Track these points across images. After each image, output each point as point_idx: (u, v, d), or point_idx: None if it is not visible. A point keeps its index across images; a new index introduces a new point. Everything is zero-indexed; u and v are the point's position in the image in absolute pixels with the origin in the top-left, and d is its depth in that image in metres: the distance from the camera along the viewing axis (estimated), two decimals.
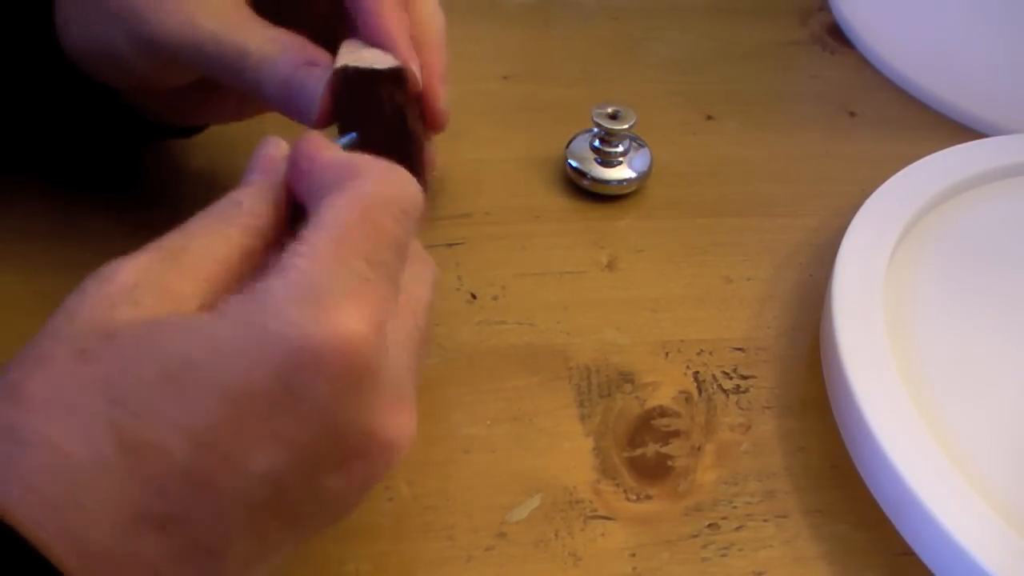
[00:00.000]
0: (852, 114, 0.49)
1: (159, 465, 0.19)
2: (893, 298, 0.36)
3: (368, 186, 0.22)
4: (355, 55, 0.29)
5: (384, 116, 0.29)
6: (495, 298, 0.37)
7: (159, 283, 0.21)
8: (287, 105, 0.29)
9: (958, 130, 0.48)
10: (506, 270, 0.38)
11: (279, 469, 0.20)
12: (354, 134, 0.28)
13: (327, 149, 0.24)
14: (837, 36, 0.54)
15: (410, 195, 0.23)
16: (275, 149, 0.26)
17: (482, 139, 0.45)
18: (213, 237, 0.22)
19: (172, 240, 0.22)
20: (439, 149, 0.44)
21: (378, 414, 0.21)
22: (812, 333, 0.37)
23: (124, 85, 0.32)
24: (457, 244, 0.39)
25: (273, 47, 0.28)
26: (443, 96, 0.31)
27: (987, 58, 0.48)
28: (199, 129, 0.38)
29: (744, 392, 0.35)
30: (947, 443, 0.31)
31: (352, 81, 0.28)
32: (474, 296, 0.37)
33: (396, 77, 0.29)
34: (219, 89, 0.34)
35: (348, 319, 0.20)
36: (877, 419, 0.31)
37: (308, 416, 0.20)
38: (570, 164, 0.42)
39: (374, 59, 0.29)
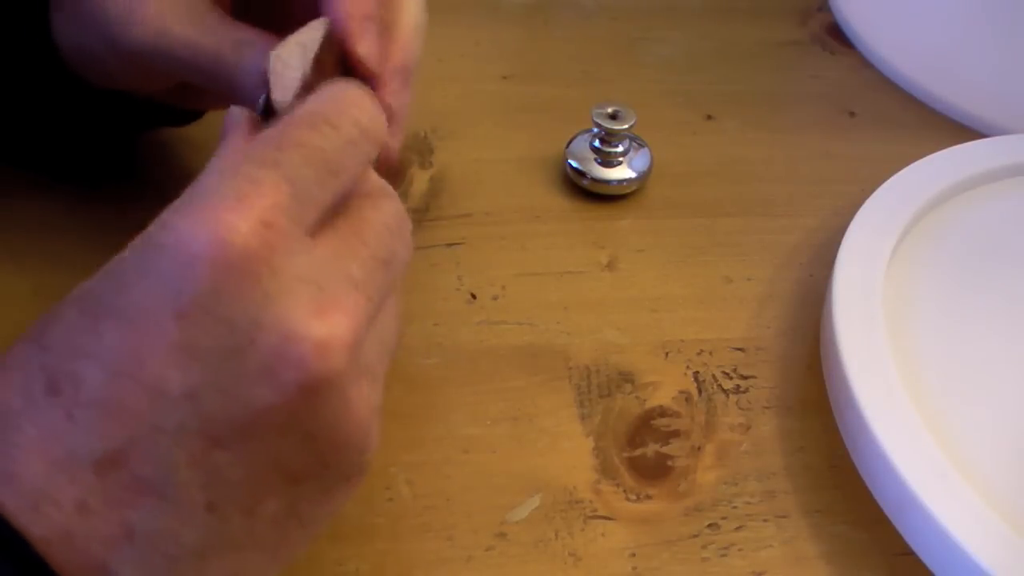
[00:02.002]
0: (852, 114, 0.49)
1: (77, 397, 0.19)
2: (893, 298, 0.36)
3: (305, 105, 0.22)
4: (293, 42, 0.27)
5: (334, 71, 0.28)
6: (495, 298, 0.37)
7: None
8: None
9: (958, 130, 0.48)
10: (506, 270, 0.38)
11: (194, 384, 0.19)
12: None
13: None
14: (837, 36, 0.54)
15: (348, 112, 0.22)
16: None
17: (482, 139, 0.45)
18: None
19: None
20: (439, 149, 0.44)
21: (288, 311, 0.20)
22: (812, 333, 0.37)
23: (114, 87, 0.32)
24: (457, 244, 0.39)
25: (248, 51, 0.28)
26: (398, 92, 0.29)
27: (987, 58, 0.48)
28: (198, 115, 0.37)
29: (744, 392, 0.35)
30: (947, 443, 0.31)
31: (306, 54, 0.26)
32: (474, 296, 0.37)
33: (329, 38, 0.27)
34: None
35: (224, 217, 0.19)
36: (877, 419, 0.31)
37: (204, 322, 0.19)
38: (570, 164, 0.42)
39: (292, 40, 0.27)
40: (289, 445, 0.21)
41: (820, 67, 0.52)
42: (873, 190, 0.39)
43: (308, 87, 0.26)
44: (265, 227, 0.20)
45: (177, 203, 0.20)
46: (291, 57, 0.26)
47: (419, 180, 0.42)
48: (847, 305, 0.34)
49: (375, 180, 0.25)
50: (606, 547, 0.30)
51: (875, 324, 0.34)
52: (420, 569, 0.29)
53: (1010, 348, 0.35)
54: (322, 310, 0.20)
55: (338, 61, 0.28)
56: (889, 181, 0.40)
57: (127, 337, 0.19)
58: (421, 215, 0.41)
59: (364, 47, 0.27)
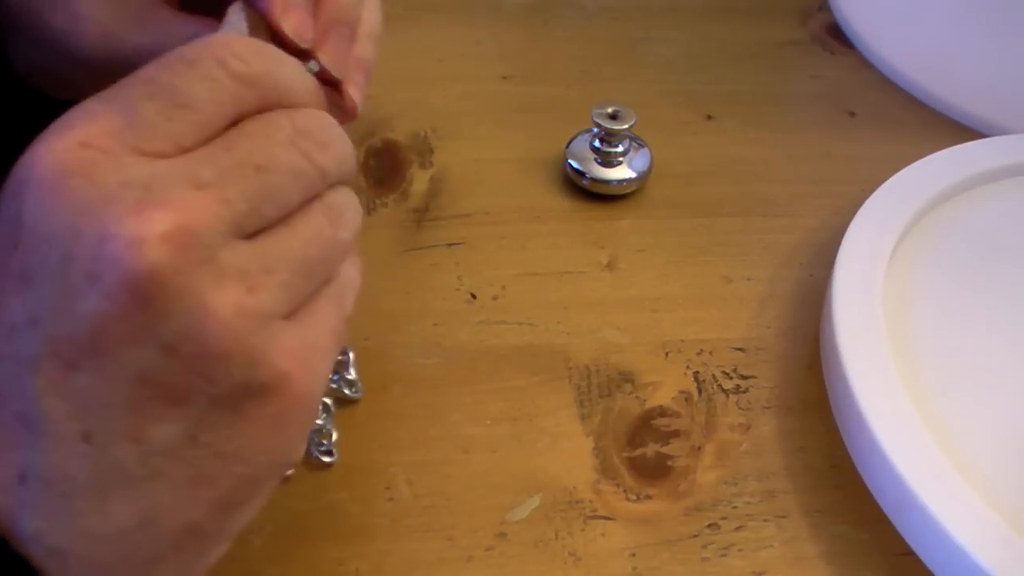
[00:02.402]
0: (852, 114, 0.49)
1: None
2: (893, 298, 0.36)
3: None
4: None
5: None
6: (495, 298, 0.37)
7: None
8: None
9: (958, 130, 0.48)
10: (506, 270, 0.38)
11: (33, 308, 0.19)
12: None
13: None
14: (837, 36, 0.54)
15: (213, 52, 0.22)
16: None
17: (482, 139, 0.45)
18: None
19: None
20: (439, 149, 0.44)
21: (104, 215, 0.19)
22: (812, 333, 0.37)
23: (78, 96, 0.32)
24: (457, 244, 0.39)
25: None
26: (337, 50, 0.28)
27: (987, 58, 0.48)
28: None
29: (744, 392, 0.35)
30: (947, 443, 0.31)
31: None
32: (474, 296, 0.37)
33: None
34: None
35: (43, 142, 0.19)
36: (877, 419, 0.31)
37: (31, 244, 0.19)
38: (570, 164, 0.42)
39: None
40: (148, 357, 0.19)
41: (820, 67, 0.52)
42: (873, 190, 0.39)
43: None
44: (81, 146, 0.19)
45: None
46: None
47: (419, 180, 0.42)
48: (847, 305, 0.34)
49: (290, 99, 0.23)
50: (606, 547, 0.30)
51: (875, 324, 0.34)
52: (420, 569, 0.29)
53: (1010, 348, 0.35)
54: (141, 208, 0.19)
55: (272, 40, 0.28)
56: (889, 181, 0.40)
57: None
58: (421, 215, 0.41)
59: (289, 23, 0.26)
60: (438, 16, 0.53)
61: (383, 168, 0.43)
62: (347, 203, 0.24)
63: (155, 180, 0.19)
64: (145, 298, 0.19)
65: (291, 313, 0.22)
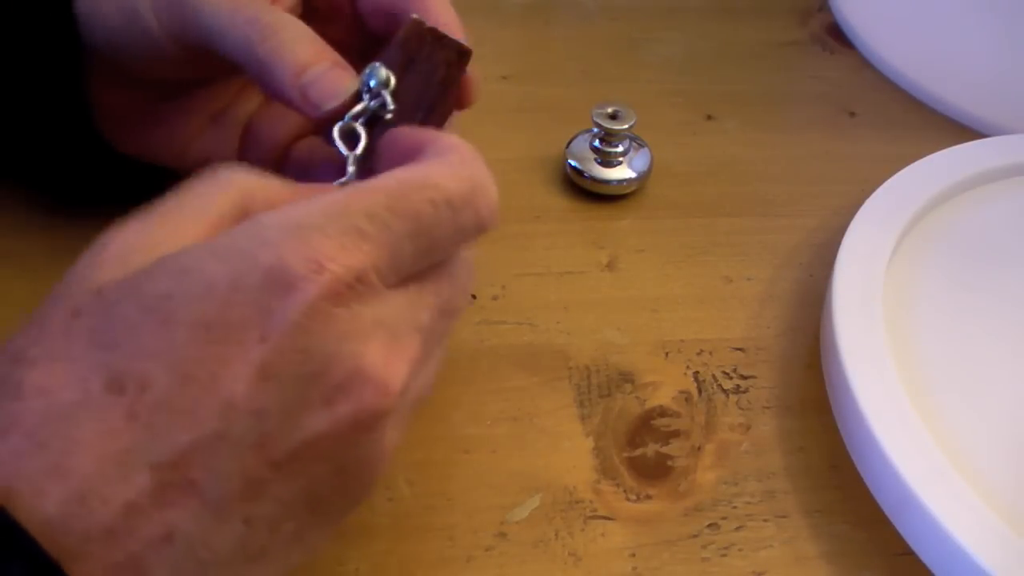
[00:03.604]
0: (852, 114, 0.49)
1: (142, 398, 0.19)
2: (893, 298, 0.36)
3: (410, 169, 0.23)
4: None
5: (431, 80, 0.29)
6: (495, 298, 0.37)
7: (148, 242, 0.21)
8: (294, 90, 0.28)
9: (958, 130, 0.48)
10: (506, 270, 0.38)
11: (259, 399, 0.20)
12: (383, 72, 0.28)
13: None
14: (837, 36, 0.54)
15: (475, 202, 0.23)
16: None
17: (482, 139, 0.44)
18: (207, 196, 0.22)
19: (166, 202, 0.22)
20: None
21: (361, 351, 0.21)
22: (812, 333, 0.37)
23: (120, 52, 0.31)
24: None
25: (290, 27, 0.28)
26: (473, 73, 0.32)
27: (987, 58, 0.48)
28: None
29: (744, 392, 0.35)
30: (947, 443, 0.31)
31: (422, 35, 0.29)
32: (474, 296, 0.37)
33: (462, 54, 0.30)
34: (187, 108, 0.34)
35: (327, 253, 0.20)
36: (877, 419, 0.31)
37: (284, 348, 0.20)
38: (570, 164, 0.42)
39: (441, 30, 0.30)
40: (323, 472, 0.21)
41: (820, 67, 0.52)
42: (873, 190, 0.39)
43: (414, 71, 0.28)
44: (358, 281, 0.21)
45: (273, 220, 0.21)
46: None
47: None
48: (847, 305, 0.34)
49: (455, 257, 0.26)
50: (606, 547, 0.30)
51: (875, 324, 0.34)
52: (420, 569, 0.29)
53: (1010, 348, 0.35)
54: (390, 354, 0.22)
55: (445, 79, 0.30)
56: (889, 181, 0.40)
57: (206, 347, 0.20)
58: None
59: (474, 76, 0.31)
60: None
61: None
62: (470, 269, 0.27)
63: (396, 323, 0.22)
64: (359, 431, 0.21)
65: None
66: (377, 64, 0.28)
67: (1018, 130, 0.46)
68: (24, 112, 0.33)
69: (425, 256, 0.23)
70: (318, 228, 0.21)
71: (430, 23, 0.29)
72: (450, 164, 0.23)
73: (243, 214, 0.23)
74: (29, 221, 0.37)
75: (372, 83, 0.27)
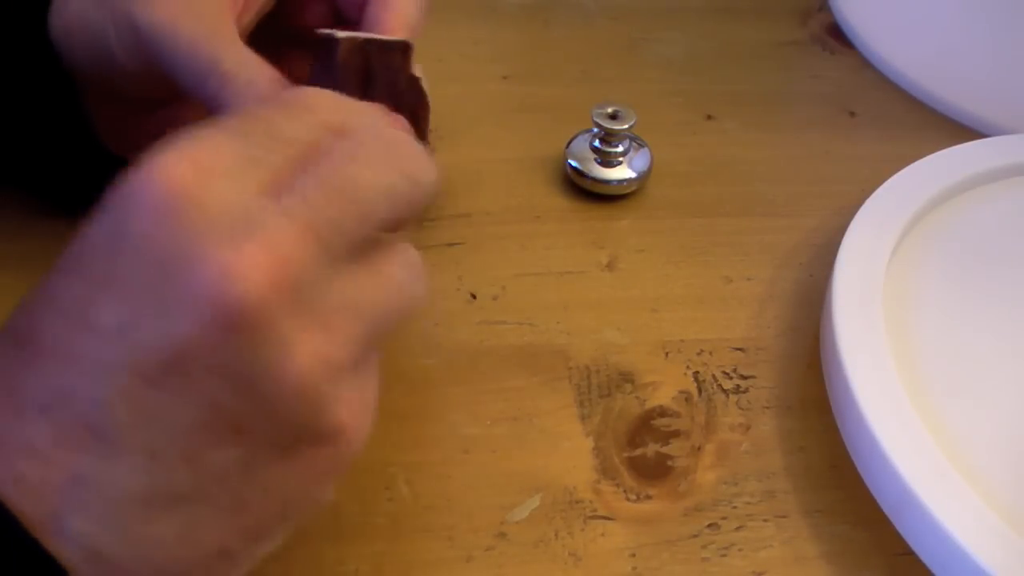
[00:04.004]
0: (852, 114, 0.49)
1: (35, 347, 0.20)
2: (893, 298, 0.36)
3: (292, 90, 0.24)
4: (340, 29, 0.29)
5: (400, 88, 0.29)
6: (495, 298, 0.37)
7: None
8: None
9: (958, 130, 0.48)
10: (506, 270, 0.38)
11: (124, 318, 0.19)
12: None
13: None
14: (837, 36, 0.54)
15: (328, 106, 0.23)
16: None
17: (482, 139, 0.45)
18: None
19: None
20: (439, 149, 0.44)
21: (208, 244, 0.19)
22: (812, 333, 0.37)
23: (96, 74, 0.32)
24: (457, 244, 0.39)
25: (249, 68, 0.29)
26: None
27: (987, 58, 0.48)
28: None
29: (744, 392, 0.35)
30: (947, 443, 0.31)
31: (364, 49, 0.28)
32: (474, 296, 0.37)
33: (405, 49, 0.30)
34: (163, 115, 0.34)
35: (161, 161, 0.20)
36: (877, 419, 0.31)
37: (133, 257, 0.20)
38: (570, 164, 0.42)
39: (364, 33, 0.29)
40: (223, 388, 0.20)
41: (820, 67, 0.52)
42: (873, 190, 0.39)
43: (368, 83, 0.28)
44: (198, 170, 0.20)
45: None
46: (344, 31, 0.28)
47: None
48: (847, 305, 0.34)
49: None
50: (606, 547, 0.30)
51: (875, 324, 0.34)
52: (420, 569, 0.29)
53: (1010, 348, 0.35)
54: (240, 241, 0.20)
55: (401, 82, 0.30)
56: (889, 181, 0.40)
57: (76, 281, 0.20)
58: (421, 215, 0.41)
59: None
60: (437, 16, 0.52)
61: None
62: (419, 262, 0.25)
63: (255, 213, 0.20)
64: (232, 331, 0.19)
65: (356, 365, 0.22)
66: None
67: (1018, 130, 0.46)
68: (23, 125, 0.34)
69: (272, 142, 0.22)
70: (165, 146, 0.21)
71: (381, 22, 0.30)
72: (300, 89, 0.24)
73: None
74: (29, 224, 0.37)
75: None
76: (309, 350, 0.20)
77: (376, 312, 0.23)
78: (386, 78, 0.29)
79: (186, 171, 0.20)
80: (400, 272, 0.23)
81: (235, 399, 0.20)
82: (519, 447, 0.32)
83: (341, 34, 0.28)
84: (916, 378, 0.33)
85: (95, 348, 0.20)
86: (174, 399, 0.20)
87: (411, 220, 0.24)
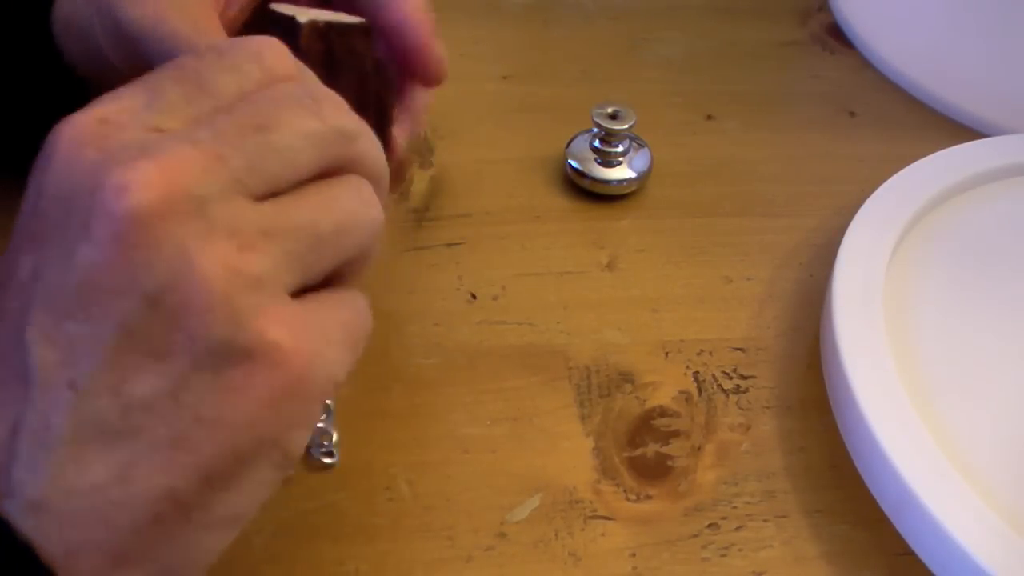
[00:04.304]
0: (852, 114, 0.49)
1: None
2: (893, 298, 0.36)
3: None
4: (298, 10, 0.28)
5: (366, 71, 0.29)
6: (495, 298, 0.37)
7: None
8: None
9: (958, 130, 0.48)
10: (506, 270, 0.38)
11: (37, 262, 0.20)
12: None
13: None
14: (837, 36, 0.54)
15: (252, 51, 0.23)
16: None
17: (482, 139, 0.45)
18: None
19: None
20: (439, 149, 0.44)
21: (101, 170, 0.20)
22: (812, 333, 0.37)
23: (91, 71, 0.33)
24: (457, 244, 0.39)
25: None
26: (437, 46, 0.31)
27: (987, 58, 0.48)
28: None
29: (744, 392, 0.35)
30: (947, 443, 0.31)
31: (324, 33, 0.27)
32: (474, 296, 0.37)
33: (366, 31, 0.29)
34: None
35: (69, 117, 0.21)
36: (877, 419, 0.31)
37: (41, 203, 0.20)
38: (570, 164, 0.42)
39: (324, 15, 0.28)
40: (132, 308, 0.19)
41: (820, 67, 0.52)
42: (873, 190, 0.39)
43: (334, 70, 0.27)
44: (100, 121, 0.21)
45: None
46: (297, 9, 0.27)
47: (419, 180, 0.42)
48: (847, 305, 0.34)
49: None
50: (606, 547, 0.30)
51: (875, 324, 0.34)
52: (420, 569, 0.29)
53: (1010, 348, 0.35)
54: (133, 161, 0.20)
55: (366, 64, 0.29)
56: (889, 181, 0.40)
57: (8, 249, 0.21)
58: (421, 215, 0.41)
59: (438, 47, 0.30)
60: (438, 16, 0.53)
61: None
62: (368, 189, 0.24)
63: (155, 142, 0.20)
64: (129, 245, 0.19)
65: (298, 288, 0.22)
66: None
67: (1018, 130, 0.46)
68: (26, 117, 0.34)
69: (198, 95, 0.22)
70: (87, 105, 0.21)
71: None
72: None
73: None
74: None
75: None
76: (214, 259, 0.20)
77: (314, 233, 0.22)
78: (350, 63, 0.28)
79: (89, 123, 0.20)
80: (344, 195, 0.23)
81: (145, 318, 0.19)
82: (519, 447, 0.32)
83: (302, 17, 0.27)
84: (916, 378, 0.33)
85: (15, 299, 0.20)
86: (88, 327, 0.19)
87: (361, 177, 0.23)
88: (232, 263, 0.20)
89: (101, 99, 0.21)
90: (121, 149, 0.20)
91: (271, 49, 0.23)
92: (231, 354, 0.20)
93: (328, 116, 0.22)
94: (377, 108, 0.30)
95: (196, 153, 0.20)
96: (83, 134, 0.20)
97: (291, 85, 0.23)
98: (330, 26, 0.27)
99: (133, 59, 0.30)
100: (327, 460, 0.31)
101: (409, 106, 0.34)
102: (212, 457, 0.20)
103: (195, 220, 0.20)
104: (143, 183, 0.19)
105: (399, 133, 0.32)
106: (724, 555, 0.30)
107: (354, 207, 0.23)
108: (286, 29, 0.27)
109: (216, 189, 0.20)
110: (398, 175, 0.43)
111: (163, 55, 0.28)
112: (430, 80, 0.34)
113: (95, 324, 0.19)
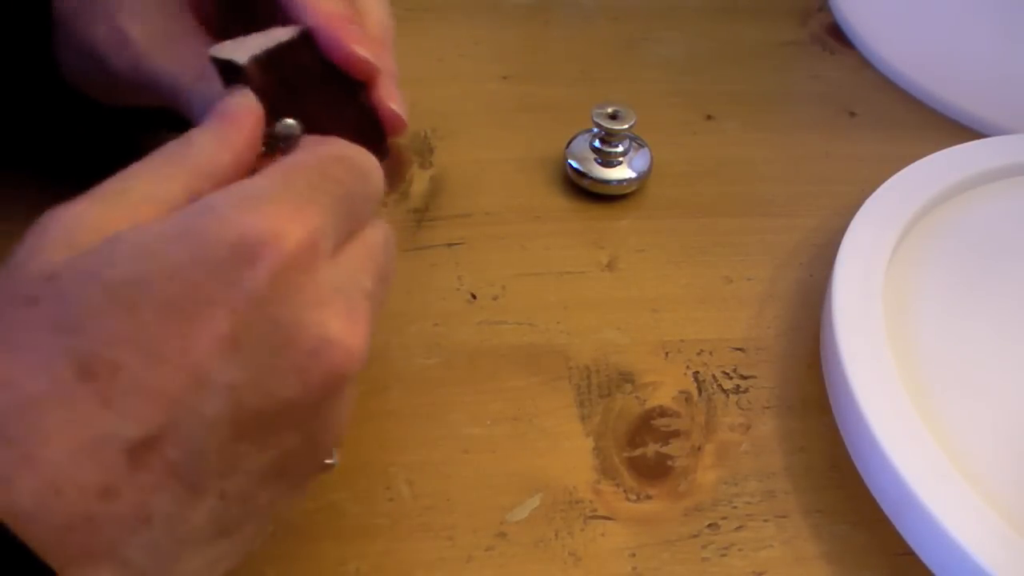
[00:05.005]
0: (852, 114, 0.49)
1: (114, 383, 0.19)
2: (893, 298, 0.36)
3: (325, 144, 0.25)
4: (235, 45, 0.27)
5: (324, 79, 0.28)
6: (495, 298, 0.37)
7: (96, 224, 0.21)
8: None
9: (958, 130, 0.48)
10: (506, 270, 0.38)
11: (230, 372, 0.20)
12: (290, 125, 0.26)
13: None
14: (837, 36, 0.54)
15: (363, 159, 0.25)
16: (244, 99, 0.25)
17: (482, 139, 0.45)
18: (156, 177, 0.22)
19: (113, 183, 0.22)
20: (439, 149, 0.44)
21: (324, 315, 0.21)
22: (812, 333, 0.37)
23: (111, 102, 0.34)
24: (457, 244, 0.39)
25: (200, 83, 0.29)
26: (397, 96, 0.31)
27: (987, 58, 0.48)
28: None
29: (744, 392, 0.35)
30: (947, 443, 0.31)
31: (270, 65, 0.26)
32: (474, 296, 0.37)
33: (305, 38, 0.28)
34: None
35: (285, 219, 0.21)
36: (877, 419, 0.31)
37: (253, 318, 0.20)
38: (570, 164, 0.42)
39: (271, 38, 0.27)
40: (295, 441, 0.22)
41: (820, 67, 0.52)
42: (873, 190, 0.39)
43: (293, 91, 0.27)
44: (312, 243, 0.21)
45: (224, 198, 0.21)
46: (236, 45, 0.26)
47: (419, 180, 0.42)
48: (847, 305, 0.34)
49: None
50: (606, 547, 0.30)
51: (875, 324, 0.34)
52: (420, 569, 0.29)
53: (1010, 348, 0.35)
54: (352, 320, 0.22)
55: (321, 71, 0.28)
56: (889, 181, 0.40)
57: (174, 326, 0.20)
58: (421, 215, 0.41)
59: (361, 49, 0.29)
60: (438, 16, 0.53)
61: (383, 168, 0.43)
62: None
63: (349, 289, 0.22)
64: (329, 396, 0.22)
65: None
66: (285, 123, 0.26)
67: (1018, 130, 0.46)
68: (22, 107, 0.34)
69: (348, 220, 0.23)
70: (269, 199, 0.21)
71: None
72: (332, 140, 0.25)
73: (193, 196, 0.23)
74: (31, 223, 0.37)
75: (283, 135, 0.26)
76: (352, 404, 0.24)
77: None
78: (305, 80, 0.28)
79: (304, 245, 0.21)
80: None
81: (300, 450, 0.22)
82: (519, 447, 0.32)
83: (241, 57, 0.26)
84: (916, 378, 0.33)
85: (199, 399, 0.20)
86: (259, 450, 0.21)
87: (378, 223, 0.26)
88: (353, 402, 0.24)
89: (299, 201, 0.22)
90: (333, 292, 0.22)
91: (382, 178, 0.26)
92: (315, 472, 0.25)
93: (395, 261, 0.26)
94: (354, 105, 0.29)
95: (371, 314, 0.23)
96: (299, 256, 0.21)
97: (389, 231, 0.26)
98: (270, 53, 0.26)
99: (137, 95, 0.32)
100: (327, 460, 0.31)
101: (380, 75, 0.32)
102: (286, 511, 0.24)
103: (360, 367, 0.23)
104: (360, 353, 0.22)
105: (386, 97, 0.31)
106: (724, 555, 0.30)
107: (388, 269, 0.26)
108: (231, 72, 0.26)
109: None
110: (398, 175, 0.43)
111: (151, 89, 0.30)
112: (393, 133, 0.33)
113: (266, 450, 0.21)
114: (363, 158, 0.25)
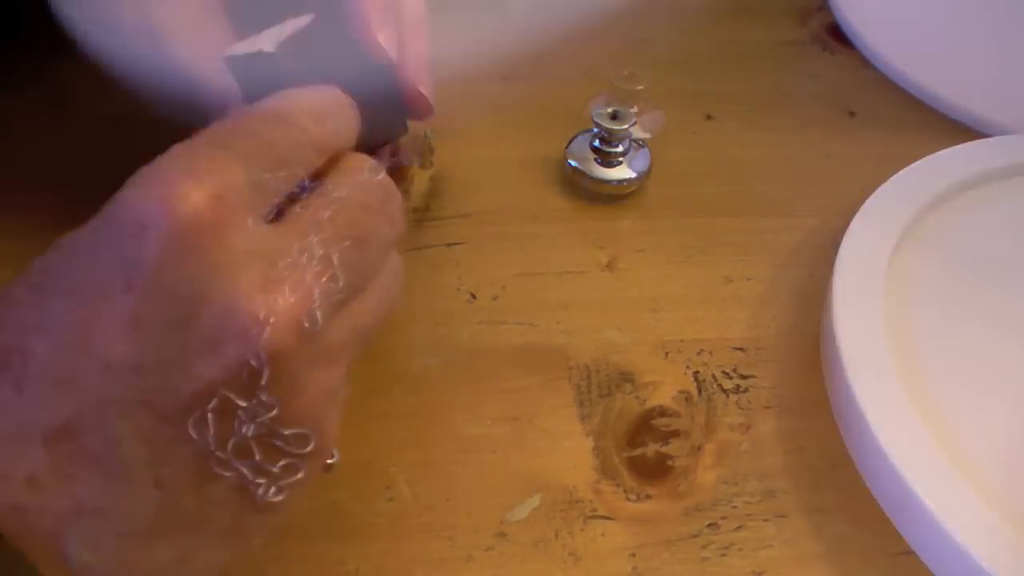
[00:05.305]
0: (852, 114, 0.49)
1: (26, 371, 0.19)
2: (893, 298, 0.36)
3: (263, 102, 0.23)
4: (256, 43, 0.27)
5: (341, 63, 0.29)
6: (495, 298, 0.37)
7: None
8: None
9: (958, 130, 0.48)
10: (506, 270, 0.38)
11: (141, 357, 0.19)
12: None
13: None
14: (837, 36, 0.54)
15: (300, 113, 0.23)
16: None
17: (482, 139, 0.45)
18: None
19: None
20: (439, 149, 0.44)
21: (234, 285, 0.19)
22: (812, 333, 0.37)
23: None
24: (457, 244, 0.39)
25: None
26: (426, 79, 0.30)
27: (987, 58, 0.48)
28: None
29: (744, 392, 0.35)
30: (947, 443, 0.31)
31: (290, 48, 0.27)
32: (474, 296, 0.37)
33: (328, 21, 0.28)
34: None
35: (176, 183, 0.19)
36: (877, 419, 0.31)
37: (151, 294, 0.19)
38: (570, 164, 0.42)
39: (285, 29, 0.27)
40: (244, 428, 0.20)
41: (820, 67, 0.52)
42: (873, 190, 0.39)
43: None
44: (216, 200, 0.19)
45: (131, 179, 0.20)
46: (252, 41, 0.26)
47: (419, 180, 0.42)
48: (847, 305, 0.34)
49: (353, 161, 0.24)
50: (606, 547, 0.30)
51: (875, 324, 0.34)
52: (420, 569, 0.29)
53: (1010, 348, 0.35)
54: (270, 286, 0.20)
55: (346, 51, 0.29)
56: (889, 181, 0.40)
57: (76, 310, 0.19)
58: (421, 215, 0.41)
59: (383, 36, 0.29)
60: (437, 16, 0.53)
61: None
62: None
63: (275, 254, 0.20)
64: (257, 376, 0.20)
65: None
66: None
67: (1018, 130, 0.46)
68: None
69: (278, 171, 0.22)
70: (167, 168, 0.20)
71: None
72: (270, 97, 0.23)
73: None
74: (29, 223, 0.37)
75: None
76: (318, 384, 0.21)
77: (362, 335, 0.23)
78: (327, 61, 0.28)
79: (204, 202, 0.19)
80: (393, 293, 0.24)
81: (249, 433, 0.20)
82: (519, 447, 0.32)
83: (268, 48, 0.26)
84: (916, 378, 0.33)
85: (106, 384, 0.19)
86: (186, 435, 0.20)
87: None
88: (326, 384, 0.22)
89: (192, 162, 0.20)
90: (247, 256, 0.20)
91: (320, 110, 0.23)
92: (306, 459, 0.22)
93: (397, 221, 0.24)
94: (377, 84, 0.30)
95: (322, 281, 0.21)
96: (199, 217, 0.19)
97: (375, 185, 0.24)
98: (294, 39, 0.27)
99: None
100: (327, 460, 0.31)
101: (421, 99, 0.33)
102: (256, 536, 0.22)
103: (308, 347, 0.21)
104: (286, 324, 0.20)
105: (414, 80, 0.31)
106: (724, 555, 0.30)
107: (392, 303, 0.25)
108: (258, 63, 0.26)
109: (325, 315, 0.21)
110: (398, 175, 0.43)
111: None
112: (418, 116, 0.33)
113: (196, 432, 0.20)
114: (274, 103, 0.23)
